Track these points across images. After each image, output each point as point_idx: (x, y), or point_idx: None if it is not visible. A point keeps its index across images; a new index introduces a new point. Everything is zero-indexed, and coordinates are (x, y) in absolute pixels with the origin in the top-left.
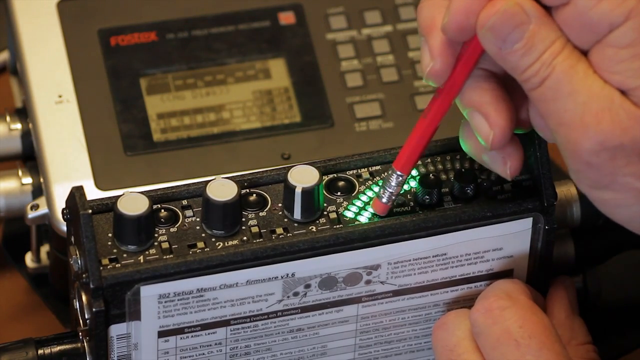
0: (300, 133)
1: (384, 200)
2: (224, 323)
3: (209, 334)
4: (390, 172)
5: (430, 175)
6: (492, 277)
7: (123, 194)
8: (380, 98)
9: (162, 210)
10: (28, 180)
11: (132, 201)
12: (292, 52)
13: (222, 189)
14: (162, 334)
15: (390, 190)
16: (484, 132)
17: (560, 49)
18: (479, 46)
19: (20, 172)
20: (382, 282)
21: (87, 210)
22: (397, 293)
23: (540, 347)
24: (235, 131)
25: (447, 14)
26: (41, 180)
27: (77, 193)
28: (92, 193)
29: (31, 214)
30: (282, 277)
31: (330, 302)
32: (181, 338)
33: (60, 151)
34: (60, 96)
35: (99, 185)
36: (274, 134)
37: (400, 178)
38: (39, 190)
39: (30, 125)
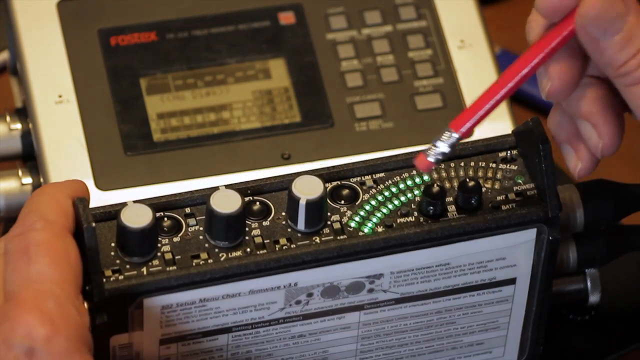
0: (300, 133)
1: (430, 158)
2: (226, 330)
3: (210, 340)
4: (444, 131)
5: (435, 185)
6: (495, 284)
7: (127, 205)
8: (380, 98)
9: (165, 219)
10: (28, 180)
11: (136, 212)
12: (292, 52)
13: (225, 201)
14: (163, 341)
15: (441, 150)
16: (592, 141)
17: None
18: (569, 32)
19: (20, 172)
20: (384, 291)
21: (91, 223)
22: (399, 301)
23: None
24: (235, 131)
25: None
26: (41, 180)
27: (80, 205)
28: (92, 193)
29: None
30: (284, 287)
31: (332, 309)
32: (182, 345)
33: (60, 151)
34: (60, 96)
35: (99, 185)
36: (274, 134)
37: (454, 139)
38: None
39: (30, 125)
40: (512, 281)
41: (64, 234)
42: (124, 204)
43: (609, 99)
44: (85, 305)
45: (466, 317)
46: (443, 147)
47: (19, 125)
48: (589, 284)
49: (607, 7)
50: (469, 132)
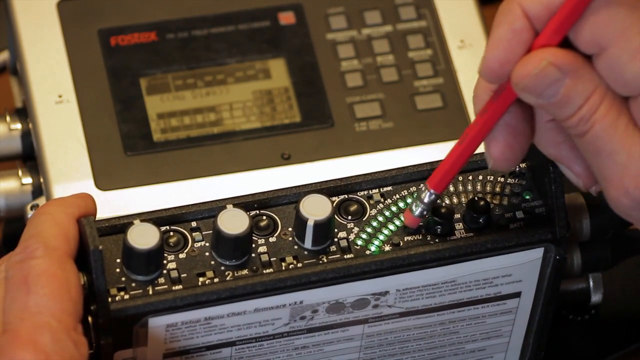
0: (300, 133)
1: (416, 214)
2: (230, 344)
3: (213, 353)
4: (423, 189)
5: (443, 204)
6: (500, 298)
7: (133, 224)
8: (380, 98)
9: (171, 233)
10: (28, 180)
11: (143, 232)
12: (292, 52)
13: (233, 221)
14: (167, 355)
15: (423, 206)
16: (572, 179)
17: (599, 103)
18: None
19: (20, 172)
20: (389, 306)
21: (97, 246)
22: (403, 314)
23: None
24: (235, 131)
25: (482, 61)
26: (41, 180)
27: (87, 225)
28: (92, 193)
29: (31, 214)
30: (290, 305)
31: (336, 323)
32: (186, 358)
33: (60, 151)
34: (60, 96)
35: (99, 185)
36: (274, 134)
37: (433, 196)
38: (39, 190)
39: (30, 125)
40: (516, 295)
41: (64, 261)
42: (130, 221)
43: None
44: (87, 333)
45: (469, 327)
46: (423, 203)
47: (19, 125)
48: (591, 284)
49: (537, 78)
50: (442, 189)
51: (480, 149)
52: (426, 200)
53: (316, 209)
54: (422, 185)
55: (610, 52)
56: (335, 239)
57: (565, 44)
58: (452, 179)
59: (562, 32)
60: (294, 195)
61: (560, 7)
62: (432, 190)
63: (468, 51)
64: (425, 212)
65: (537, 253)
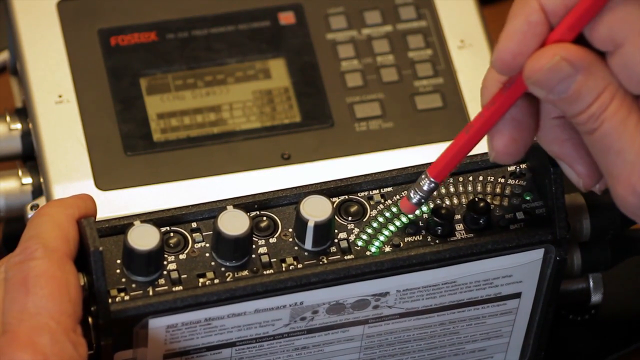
0: (300, 133)
1: (414, 201)
2: (230, 345)
3: (214, 354)
4: (423, 177)
5: (444, 205)
6: (500, 299)
7: (133, 225)
8: (380, 98)
9: (172, 234)
10: (28, 180)
11: (143, 233)
12: (292, 52)
13: (233, 221)
14: (167, 356)
15: (421, 195)
16: (573, 179)
17: (609, 100)
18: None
19: (20, 172)
20: (389, 307)
21: (98, 247)
22: (403, 315)
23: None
24: (235, 131)
25: (494, 51)
26: (41, 180)
27: (87, 227)
28: (92, 193)
29: (31, 214)
30: (290, 306)
31: (336, 324)
32: (186, 358)
33: (60, 151)
34: (60, 96)
35: (99, 185)
36: (274, 134)
37: (433, 185)
38: (39, 190)
39: (30, 125)
40: (517, 295)
41: (64, 262)
42: (130, 222)
43: (580, 138)
44: (87, 334)
45: (470, 328)
46: (422, 192)
47: (19, 125)
48: (591, 284)
49: (549, 73)
50: (443, 178)
51: (481, 148)
52: (425, 188)
53: (316, 209)
54: (422, 174)
55: (625, 50)
56: (336, 240)
57: (579, 40)
58: (453, 169)
59: (578, 29)
60: (294, 196)
61: (577, 3)
62: (432, 179)
63: (468, 51)
64: (422, 200)
65: (538, 254)
